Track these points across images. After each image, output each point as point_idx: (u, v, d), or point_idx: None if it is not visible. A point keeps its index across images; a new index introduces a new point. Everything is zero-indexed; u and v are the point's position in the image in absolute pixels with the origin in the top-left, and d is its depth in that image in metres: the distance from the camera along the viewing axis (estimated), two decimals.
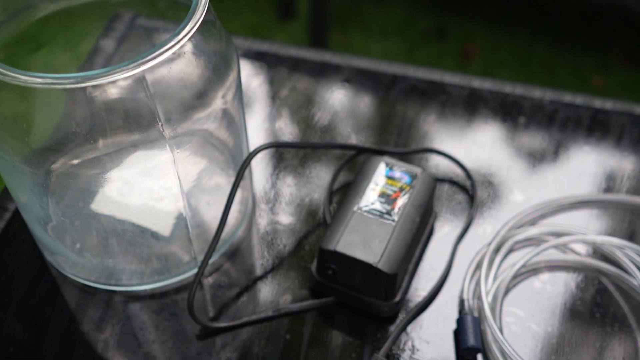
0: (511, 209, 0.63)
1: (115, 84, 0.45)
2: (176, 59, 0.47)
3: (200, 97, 0.50)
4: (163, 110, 0.47)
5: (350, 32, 1.94)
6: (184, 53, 0.47)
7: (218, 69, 0.50)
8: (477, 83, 0.74)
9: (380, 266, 0.52)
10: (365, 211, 0.55)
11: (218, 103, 0.51)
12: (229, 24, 1.94)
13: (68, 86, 0.43)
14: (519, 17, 1.97)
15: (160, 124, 0.47)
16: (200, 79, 0.49)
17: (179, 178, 0.52)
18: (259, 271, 0.59)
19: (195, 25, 0.46)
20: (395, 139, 0.69)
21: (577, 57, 1.86)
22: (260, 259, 0.60)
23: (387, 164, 0.58)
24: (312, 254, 0.60)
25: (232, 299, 0.57)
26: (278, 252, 0.60)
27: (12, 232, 0.61)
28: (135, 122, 0.47)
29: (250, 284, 0.58)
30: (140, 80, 0.45)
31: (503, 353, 0.52)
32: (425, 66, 0.76)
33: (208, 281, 0.58)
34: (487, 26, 1.95)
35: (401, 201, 0.56)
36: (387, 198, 0.56)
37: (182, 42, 0.46)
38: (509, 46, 1.90)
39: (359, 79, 0.75)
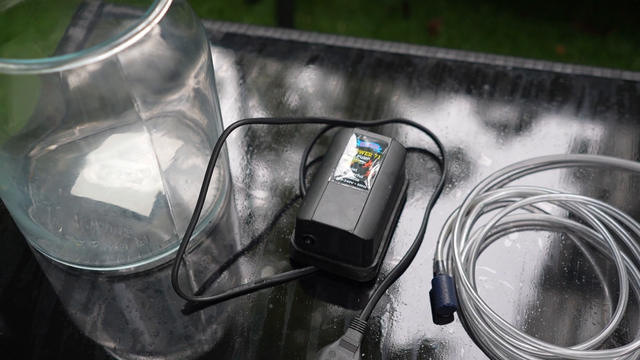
0: (480, 173, 0.66)
1: (89, 68, 0.46)
2: (147, 41, 0.48)
3: (173, 78, 0.51)
4: (138, 93, 0.48)
5: (316, 13, 1.95)
6: (155, 35, 0.48)
7: (189, 50, 0.52)
8: (442, 54, 0.76)
9: (356, 233, 0.54)
10: (339, 181, 0.57)
11: (191, 84, 0.52)
12: (197, 9, 1.93)
13: (42, 71, 0.44)
14: None
15: (136, 105, 0.48)
16: (171, 61, 0.50)
17: (157, 158, 0.53)
18: (239, 245, 0.61)
19: (164, 6, 0.48)
20: (365, 112, 0.71)
21: (540, 27, 1.89)
22: (240, 234, 0.61)
23: (357, 135, 0.60)
24: (290, 225, 0.62)
25: (215, 274, 0.59)
26: (257, 226, 0.62)
27: None
28: (112, 105, 0.48)
29: (232, 258, 0.60)
30: (114, 63, 0.46)
31: (478, 310, 0.55)
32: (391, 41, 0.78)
33: (190, 258, 0.59)
34: (450, 0, 1.96)
35: (373, 170, 0.58)
36: (360, 167, 0.58)
37: (152, 24, 0.47)
38: (473, 19, 1.92)
39: (326, 56, 0.76)
